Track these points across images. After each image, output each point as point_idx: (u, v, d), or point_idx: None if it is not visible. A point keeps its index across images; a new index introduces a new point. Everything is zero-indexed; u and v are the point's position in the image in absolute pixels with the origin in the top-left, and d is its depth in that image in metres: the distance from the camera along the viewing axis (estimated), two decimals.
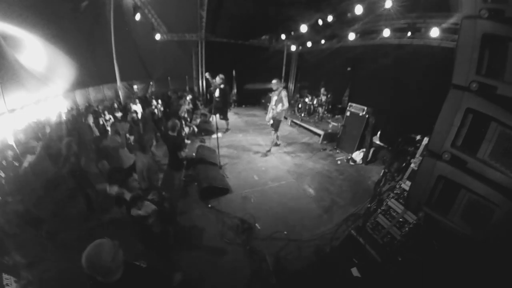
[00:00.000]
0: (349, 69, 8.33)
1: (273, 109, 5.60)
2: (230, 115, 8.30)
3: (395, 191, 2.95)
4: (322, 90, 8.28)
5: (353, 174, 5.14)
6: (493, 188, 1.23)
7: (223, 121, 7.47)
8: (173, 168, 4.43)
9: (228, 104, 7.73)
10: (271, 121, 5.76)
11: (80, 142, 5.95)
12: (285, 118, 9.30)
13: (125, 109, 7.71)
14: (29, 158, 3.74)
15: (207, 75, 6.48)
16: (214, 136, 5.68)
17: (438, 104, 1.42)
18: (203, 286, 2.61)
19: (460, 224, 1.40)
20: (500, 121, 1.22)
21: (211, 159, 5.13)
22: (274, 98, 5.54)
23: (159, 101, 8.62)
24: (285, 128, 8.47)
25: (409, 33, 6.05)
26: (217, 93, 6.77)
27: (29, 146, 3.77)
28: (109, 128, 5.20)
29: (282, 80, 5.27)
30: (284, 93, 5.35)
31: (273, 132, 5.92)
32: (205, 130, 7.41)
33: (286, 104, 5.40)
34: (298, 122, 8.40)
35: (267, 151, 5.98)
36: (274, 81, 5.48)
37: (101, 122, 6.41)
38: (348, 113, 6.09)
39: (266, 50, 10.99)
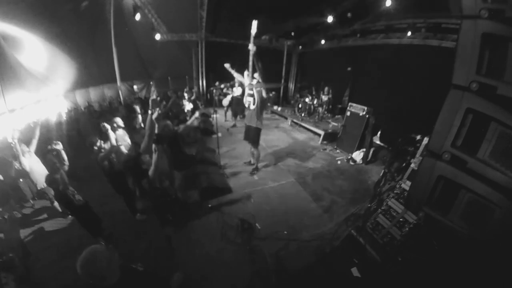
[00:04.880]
0: (349, 69, 8.33)
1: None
2: (230, 115, 8.38)
3: (395, 191, 2.95)
4: (326, 89, 8.27)
5: (353, 174, 5.13)
6: (493, 188, 1.24)
7: (229, 119, 7.70)
8: (173, 168, 4.43)
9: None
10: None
11: (81, 142, 5.97)
12: (285, 118, 9.32)
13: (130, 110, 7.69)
14: (26, 159, 3.79)
15: (227, 66, 5.20)
16: (214, 136, 5.68)
17: (438, 104, 1.42)
18: (203, 286, 2.61)
19: (460, 224, 1.40)
20: (500, 121, 1.22)
21: (211, 159, 5.14)
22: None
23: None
24: (285, 128, 8.48)
25: (409, 33, 6.05)
26: (239, 91, 6.77)
27: (24, 150, 3.82)
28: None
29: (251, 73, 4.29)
30: (258, 87, 4.05)
31: (251, 148, 4.66)
32: (205, 130, 7.41)
33: (257, 101, 4.00)
34: (298, 122, 8.39)
35: (254, 169, 4.85)
36: (245, 74, 4.26)
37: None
38: (348, 113, 6.08)
39: (266, 50, 10.99)
